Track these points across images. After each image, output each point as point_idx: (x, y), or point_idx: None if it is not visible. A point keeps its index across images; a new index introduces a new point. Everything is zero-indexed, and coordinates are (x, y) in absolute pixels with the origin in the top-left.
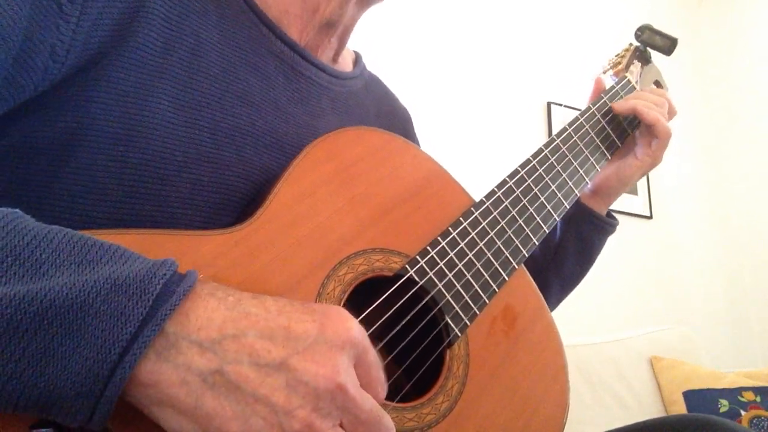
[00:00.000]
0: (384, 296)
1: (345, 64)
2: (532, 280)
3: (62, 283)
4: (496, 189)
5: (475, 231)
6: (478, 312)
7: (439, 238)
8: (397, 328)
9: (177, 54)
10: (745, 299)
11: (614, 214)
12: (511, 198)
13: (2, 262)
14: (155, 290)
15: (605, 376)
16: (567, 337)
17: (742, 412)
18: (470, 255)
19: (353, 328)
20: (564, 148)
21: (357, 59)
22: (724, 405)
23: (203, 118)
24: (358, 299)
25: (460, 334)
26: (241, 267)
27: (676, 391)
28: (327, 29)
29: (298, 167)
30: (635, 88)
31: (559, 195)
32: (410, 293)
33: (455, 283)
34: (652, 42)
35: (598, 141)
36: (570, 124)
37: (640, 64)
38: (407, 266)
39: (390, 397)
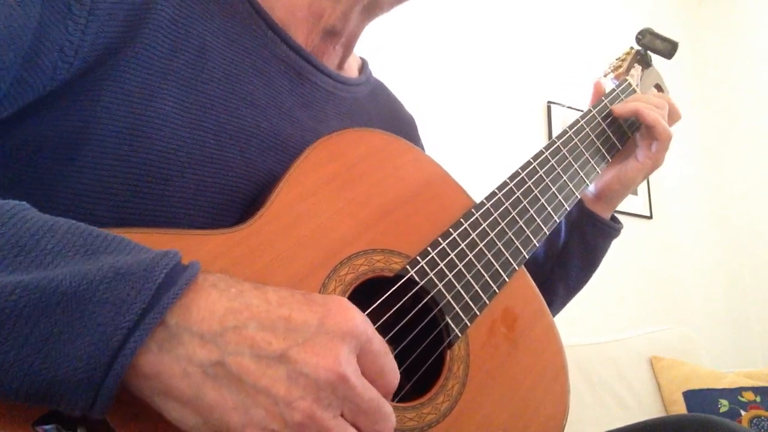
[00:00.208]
0: (385, 296)
1: (351, 71)
2: (533, 281)
3: (66, 271)
4: (496, 191)
5: (476, 232)
6: (478, 312)
7: (439, 238)
8: (398, 328)
9: (183, 56)
10: (745, 299)
11: (617, 217)
12: (511, 199)
13: (8, 251)
14: (158, 279)
15: (605, 376)
16: (567, 337)
17: (742, 412)
18: (471, 256)
19: (355, 318)
20: (564, 150)
21: (363, 66)
22: (724, 405)
23: (208, 120)
24: (358, 299)
25: (460, 335)
26: (242, 266)
27: (676, 391)
28: (331, 37)
29: (299, 168)
30: (636, 92)
31: (560, 197)
32: (411, 293)
33: (456, 283)
34: (653, 46)
35: (598, 143)
36: (570, 127)
37: (640, 67)
38: (408, 267)
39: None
